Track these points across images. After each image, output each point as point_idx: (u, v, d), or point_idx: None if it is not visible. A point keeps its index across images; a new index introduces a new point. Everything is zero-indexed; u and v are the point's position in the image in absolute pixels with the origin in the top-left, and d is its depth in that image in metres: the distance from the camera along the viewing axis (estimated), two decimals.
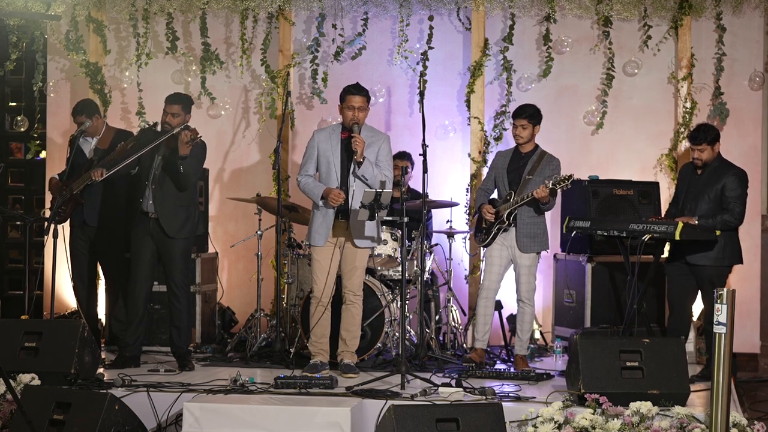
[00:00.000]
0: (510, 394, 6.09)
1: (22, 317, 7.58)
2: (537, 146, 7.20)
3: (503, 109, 8.51)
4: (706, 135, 6.95)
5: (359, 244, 6.79)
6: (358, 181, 6.71)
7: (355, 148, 6.62)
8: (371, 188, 6.62)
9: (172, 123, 6.95)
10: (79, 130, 7.46)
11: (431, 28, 8.57)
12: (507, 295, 7.68)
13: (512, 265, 7.20)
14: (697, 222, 6.80)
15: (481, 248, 7.67)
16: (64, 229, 7.47)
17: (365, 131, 6.78)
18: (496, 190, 7.30)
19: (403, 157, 8.14)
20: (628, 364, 5.76)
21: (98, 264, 7.82)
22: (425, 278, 7.62)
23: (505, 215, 7.05)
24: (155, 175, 6.97)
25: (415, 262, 7.58)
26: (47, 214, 8.08)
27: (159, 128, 7.06)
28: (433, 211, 8.28)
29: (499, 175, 7.25)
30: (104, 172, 7.05)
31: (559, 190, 6.89)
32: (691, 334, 7.42)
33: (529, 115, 7.12)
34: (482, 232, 7.24)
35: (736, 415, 5.43)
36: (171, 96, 7.06)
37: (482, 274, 7.93)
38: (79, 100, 7.87)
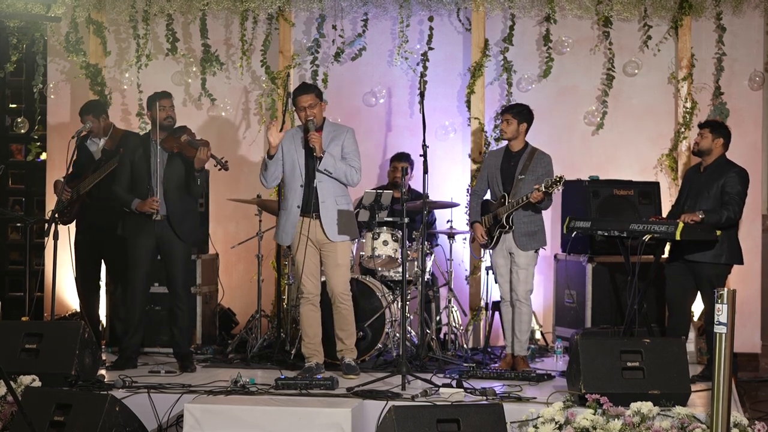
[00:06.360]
0: (511, 395, 6.09)
1: (23, 319, 7.60)
2: (527, 144, 7.18)
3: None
4: (712, 123, 7.05)
5: (334, 238, 6.72)
6: (322, 175, 6.71)
7: (312, 145, 6.63)
8: (337, 181, 6.67)
9: (174, 117, 7.02)
10: (79, 130, 7.44)
11: (431, 28, 8.57)
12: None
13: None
14: (701, 216, 6.77)
15: (486, 251, 7.63)
16: (70, 230, 7.47)
17: (327, 127, 6.81)
18: (489, 191, 7.28)
19: (402, 158, 8.14)
20: (629, 364, 5.76)
21: (101, 265, 7.81)
22: (426, 279, 7.62)
23: (504, 219, 7.04)
24: (161, 177, 6.95)
25: (416, 262, 7.58)
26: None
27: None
28: (434, 211, 8.28)
29: (492, 175, 7.22)
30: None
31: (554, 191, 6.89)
32: (692, 334, 7.41)
33: (516, 111, 7.12)
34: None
35: (737, 416, 5.42)
36: (161, 92, 7.05)
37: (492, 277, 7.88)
38: (89, 100, 7.87)
